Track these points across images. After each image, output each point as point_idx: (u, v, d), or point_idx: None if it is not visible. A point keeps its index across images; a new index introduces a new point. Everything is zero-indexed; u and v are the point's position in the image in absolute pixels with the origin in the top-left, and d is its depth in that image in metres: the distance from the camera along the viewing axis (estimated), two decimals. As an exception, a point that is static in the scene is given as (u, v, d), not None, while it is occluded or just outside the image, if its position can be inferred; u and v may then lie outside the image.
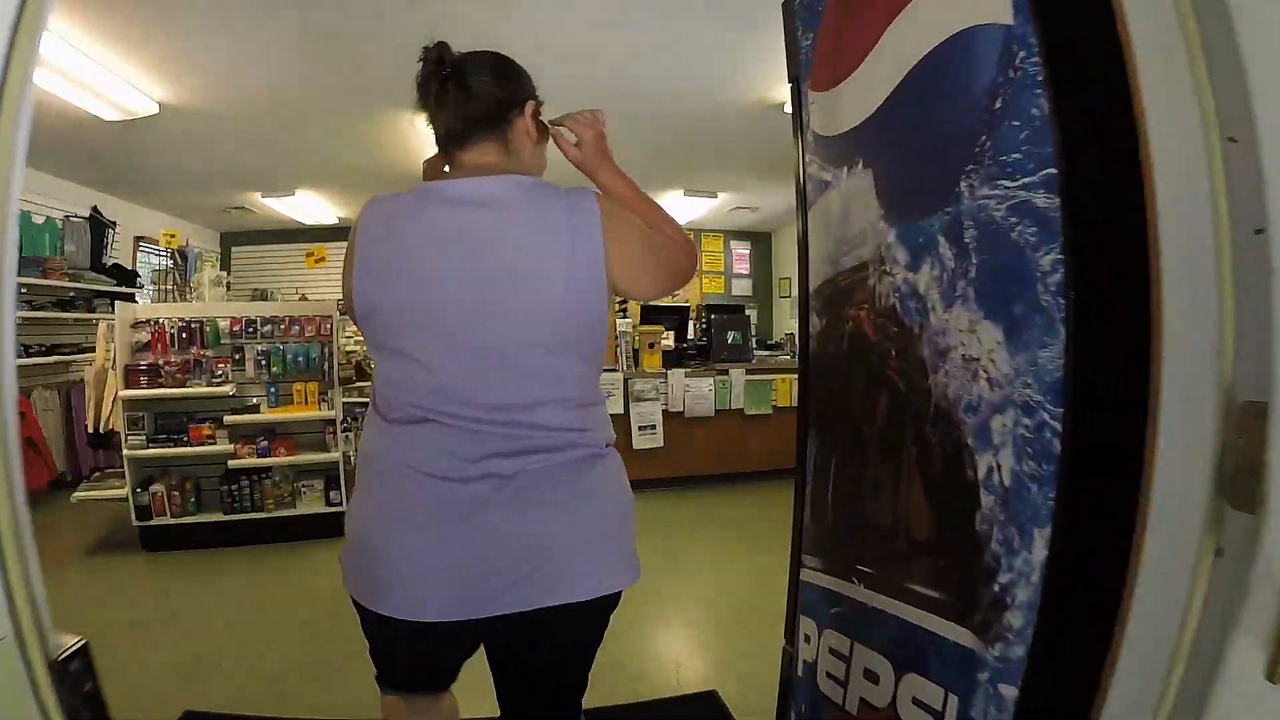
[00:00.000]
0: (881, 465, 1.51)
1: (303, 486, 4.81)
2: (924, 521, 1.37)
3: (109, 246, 7.23)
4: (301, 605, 3.77)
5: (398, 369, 1.21)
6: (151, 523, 4.61)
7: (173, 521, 4.64)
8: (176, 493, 4.66)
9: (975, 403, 1.18)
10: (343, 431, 4.89)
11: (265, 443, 4.69)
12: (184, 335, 4.74)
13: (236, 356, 4.80)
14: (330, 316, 4.93)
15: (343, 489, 4.80)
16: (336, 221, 9.47)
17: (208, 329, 4.79)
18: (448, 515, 1.15)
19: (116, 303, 4.69)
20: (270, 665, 3.07)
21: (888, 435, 1.49)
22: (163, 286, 7.53)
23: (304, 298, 9.19)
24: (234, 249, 10.42)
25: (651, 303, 9.24)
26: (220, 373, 4.71)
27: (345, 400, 5.16)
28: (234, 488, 4.69)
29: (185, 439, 4.66)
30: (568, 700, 1.36)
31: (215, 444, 4.67)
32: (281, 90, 4.76)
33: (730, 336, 6.15)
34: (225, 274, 6.14)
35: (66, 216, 6.70)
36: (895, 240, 1.41)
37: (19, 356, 5.70)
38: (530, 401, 1.17)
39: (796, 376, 6.56)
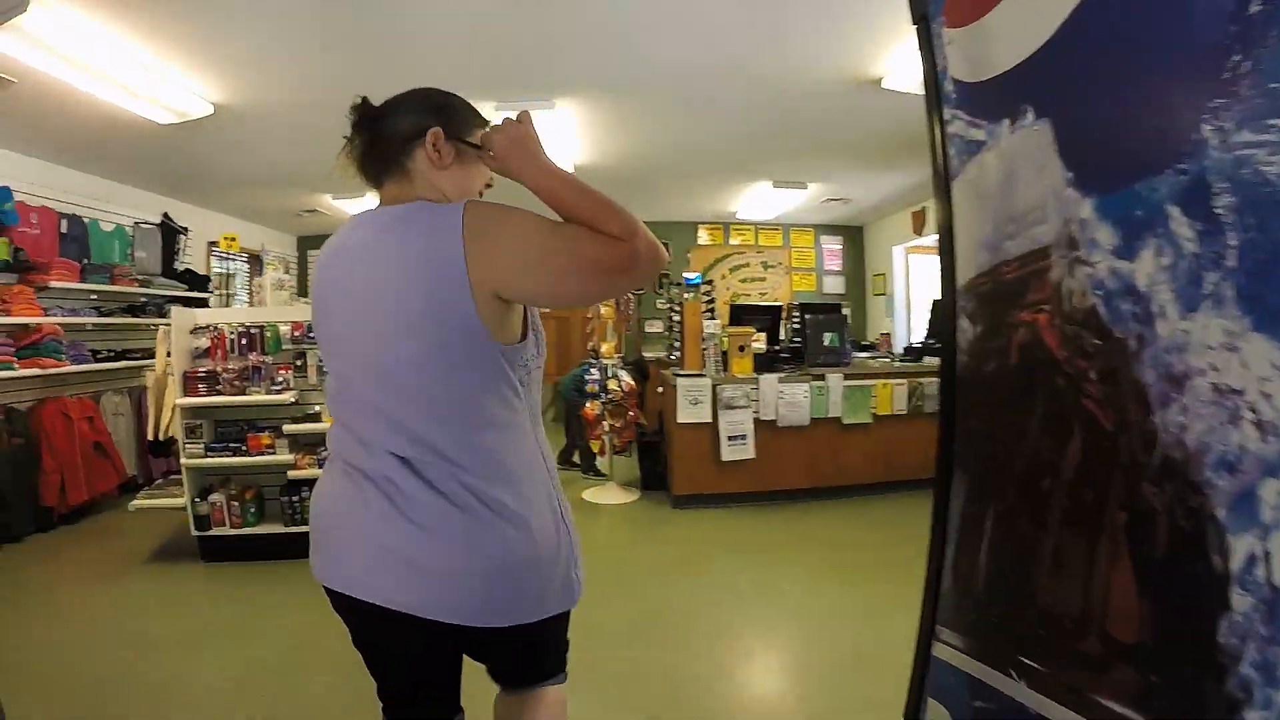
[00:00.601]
0: (1067, 531, 1.18)
1: (366, 499, 4.47)
2: (1132, 618, 1.04)
3: (181, 252, 7.19)
4: None
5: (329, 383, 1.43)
6: (210, 533, 4.40)
7: (232, 532, 4.41)
8: (236, 503, 4.41)
9: (1233, 457, 0.85)
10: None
11: (327, 452, 4.36)
12: (244, 341, 4.47)
13: (298, 363, 4.51)
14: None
15: (410, 503, 4.43)
16: None
17: (268, 334, 4.51)
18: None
19: (173, 308, 4.47)
20: (326, 683, 2.92)
21: (1080, 491, 1.14)
22: (224, 291, 7.43)
23: None
24: (310, 253, 10.38)
25: (740, 302, 8.97)
26: (281, 379, 4.42)
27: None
28: (295, 499, 4.40)
29: (244, 448, 4.40)
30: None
31: (275, 453, 4.39)
32: (338, 86, 4.40)
33: (827, 338, 5.61)
34: (288, 277, 5.91)
35: (137, 223, 6.67)
36: (1094, 214, 1.07)
37: (89, 361, 5.62)
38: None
39: (900, 383, 5.90)
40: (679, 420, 5.26)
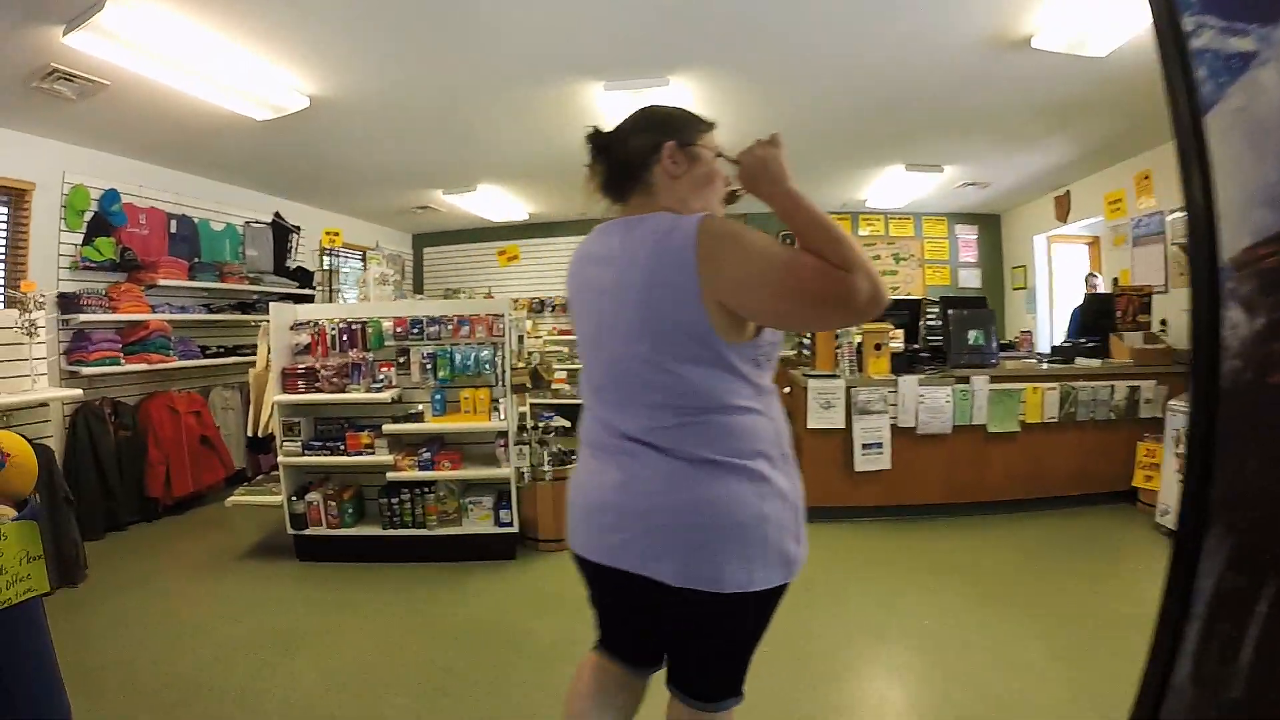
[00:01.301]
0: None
1: (470, 503, 4.20)
2: None
3: (293, 250, 7.20)
4: (454, 632, 3.34)
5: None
6: (306, 532, 4.24)
7: (329, 532, 4.23)
8: (333, 503, 4.22)
9: None
10: (517, 445, 4.23)
11: (428, 454, 4.13)
12: (345, 337, 4.25)
13: (401, 360, 4.26)
14: (502, 315, 4.28)
15: (514, 508, 4.15)
16: (527, 217, 9.04)
17: (370, 330, 4.27)
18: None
19: (272, 304, 4.28)
20: (403, 706, 2.75)
21: None
22: (327, 287, 7.39)
23: (489, 296, 8.88)
24: (426, 250, 10.35)
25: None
26: (383, 377, 4.18)
27: (520, 408, 4.48)
28: (394, 501, 4.18)
29: (343, 447, 4.18)
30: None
31: (374, 454, 4.17)
32: (437, 74, 4.18)
33: (972, 336, 4.98)
34: (391, 271, 5.72)
35: (248, 222, 6.70)
36: None
37: (198, 356, 5.60)
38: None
39: (1052, 388, 5.17)
40: (809, 426, 4.74)
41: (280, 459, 4.15)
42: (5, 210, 4.77)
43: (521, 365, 4.36)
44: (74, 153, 5.09)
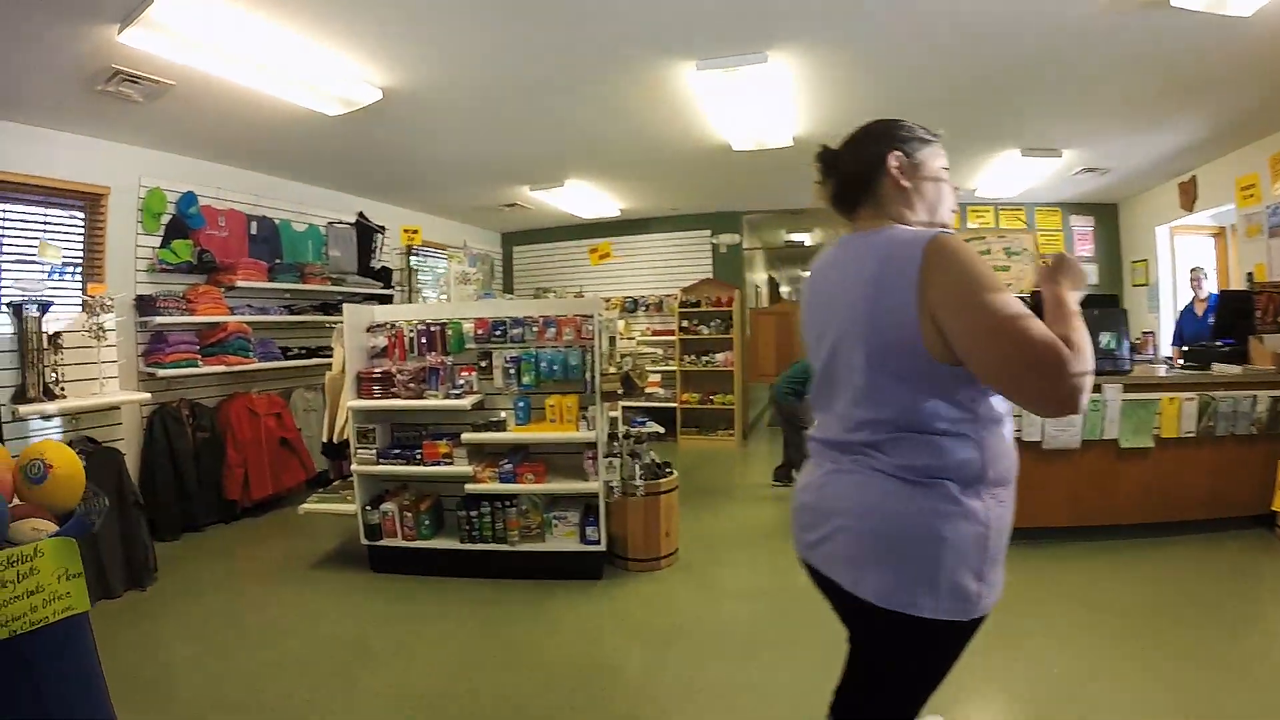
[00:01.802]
0: None
1: (554, 518, 3.95)
2: None
3: (378, 250, 7.08)
4: (531, 661, 3.10)
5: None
6: (381, 543, 4.05)
7: (404, 545, 4.03)
8: (409, 514, 4.02)
9: None
10: (607, 457, 3.94)
11: (510, 465, 3.88)
12: (423, 340, 4.05)
13: (483, 364, 4.03)
14: (592, 316, 3.98)
15: (602, 524, 3.87)
16: (619, 213, 8.72)
17: (450, 332, 4.06)
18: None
19: (346, 306, 4.10)
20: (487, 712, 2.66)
21: None
22: (407, 288, 7.25)
23: (580, 295, 8.66)
24: (515, 248, 10.14)
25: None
26: (463, 382, 3.95)
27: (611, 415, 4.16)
28: (473, 514, 3.95)
29: (419, 456, 3.97)
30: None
31: (453, 464, 3.95)
32: (517, 62, 3.92)
33: (1104, 339, 4.45)
34: (473, 270, 5.55)
35: (330, 222, 6.61)
36: None
37: (279, 358, 5.54)
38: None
39: (1190, 398, 4.49)
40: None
41: (354, 468, 3.99)
42: (81, 215, 4.75)
43: (612, 370, 4.05)
44: (149, 156, 5.07)
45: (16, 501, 2.00)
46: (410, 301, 7.05)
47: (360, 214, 6.91)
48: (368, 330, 4.14)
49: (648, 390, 5.35)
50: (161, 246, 5.03)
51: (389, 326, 4.10)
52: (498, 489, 3.89)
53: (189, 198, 5.21)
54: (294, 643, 3.23)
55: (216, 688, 2.83)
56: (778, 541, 4.56)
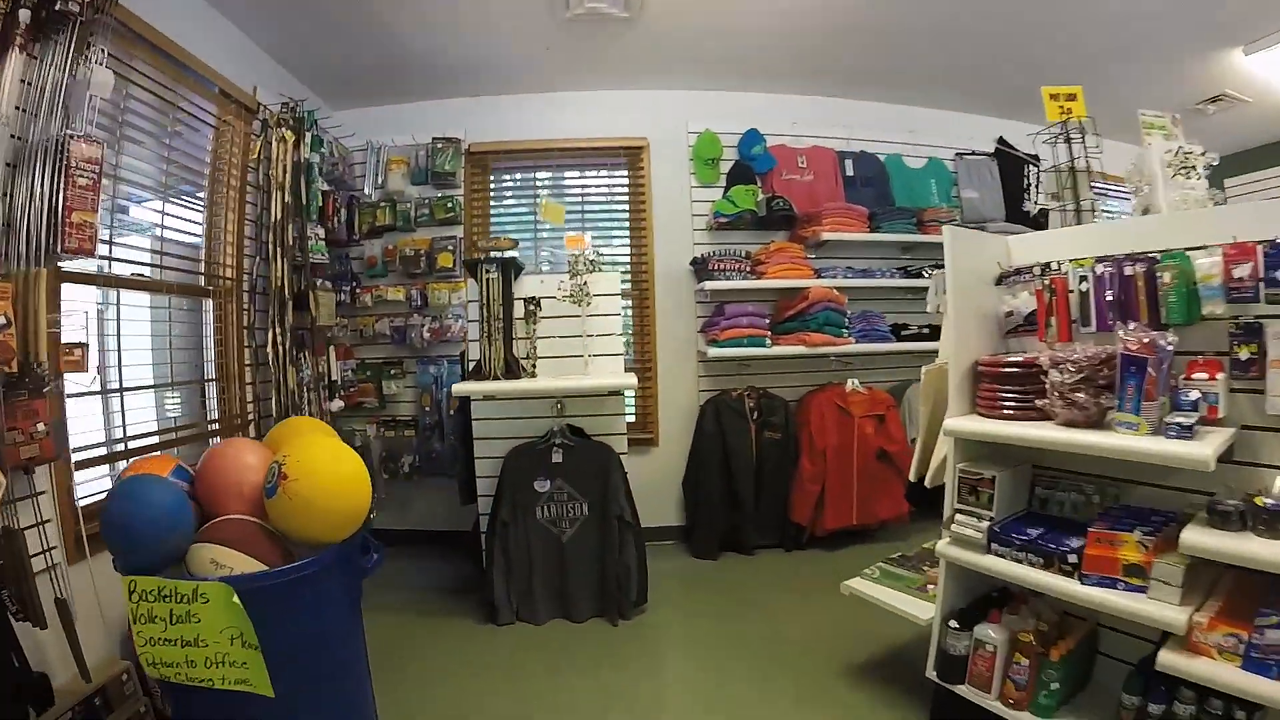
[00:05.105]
0: None
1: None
2: None
3: (1031, 187, 5.23)
4: None
5: None
6: (959, 690, 2.21)
7: (1000, 713, 2.08)
8: (1025, 658, 2.07)
9: None
10: None
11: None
12: (1106, 296, 1.99)
13: (1241, 352, 1.79)
14: None
15: None
16: None
17: (1165, 278, 1.88)
18: None
19: (946, 230, 2.21)
20: None
21: None
22: (1070, 196, 4.99)
23: None
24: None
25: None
26: (1194, 395, 1.77)
27: None
28: (1156, 706, 1.81)
29: (1069, 556, 1.90)
30: None
31: (1141, 593, 1.76)
32: None
33: None
34: (1197, 148, 3.03)
35: (959, 154, 5.02)
36: None
37: (887, 339, 4.34)
38: None
39: None
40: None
41: (940, 547, 2.18)
42: (624, 173, 4.54)
43: None
44: (688, 98, 4.60)
45: (238, 515, 1.58)
46: (1078, 223, 4.60)
47: (1000, 140, 5.13)
48: (998, 283, 2.28)
49: None
50: (722, 198, 4.27)
51: (1038, 273, 2.16)
52: (1235, 680, 1.60)
53: (752, 136, 4.43)
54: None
55: None
56: None
